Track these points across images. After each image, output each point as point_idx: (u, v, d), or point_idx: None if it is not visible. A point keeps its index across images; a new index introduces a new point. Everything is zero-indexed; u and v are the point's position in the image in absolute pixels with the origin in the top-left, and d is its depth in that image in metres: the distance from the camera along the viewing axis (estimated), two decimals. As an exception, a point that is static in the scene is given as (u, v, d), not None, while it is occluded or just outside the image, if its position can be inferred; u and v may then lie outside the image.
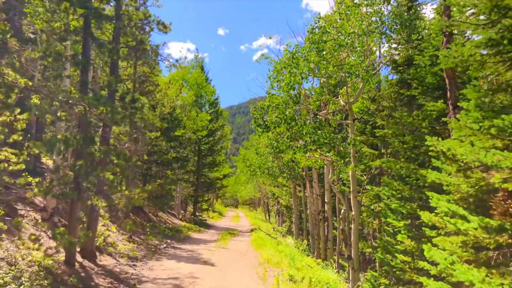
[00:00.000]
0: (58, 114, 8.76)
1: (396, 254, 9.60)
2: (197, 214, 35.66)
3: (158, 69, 22.20)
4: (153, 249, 16.53)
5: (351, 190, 12.57)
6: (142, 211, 25.50)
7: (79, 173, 10.08)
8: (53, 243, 10.39)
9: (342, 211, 12.28)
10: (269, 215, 55.65)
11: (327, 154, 13.11)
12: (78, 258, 11.62)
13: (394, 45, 14.17)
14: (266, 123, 12.74)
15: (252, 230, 29.37)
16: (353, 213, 12.46)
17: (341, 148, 11.99)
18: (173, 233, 23.36)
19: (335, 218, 19.10)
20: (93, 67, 12.80)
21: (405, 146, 10.20)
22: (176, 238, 22.07)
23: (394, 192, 11.16)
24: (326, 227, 17.31)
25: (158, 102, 21.47)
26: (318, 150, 12.55)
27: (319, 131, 11.98)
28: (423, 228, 8.53)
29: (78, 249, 12.20)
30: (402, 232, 10.33)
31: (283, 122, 12.49)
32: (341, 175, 19.41)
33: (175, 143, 26.27)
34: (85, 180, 10.30)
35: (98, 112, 8.99)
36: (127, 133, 20.09)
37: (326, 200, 17.46)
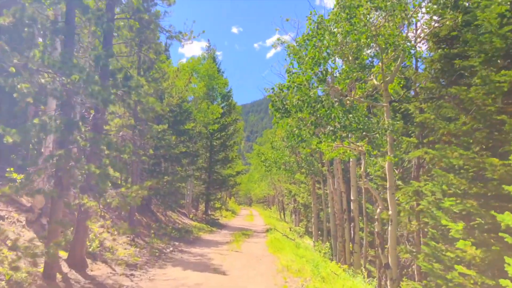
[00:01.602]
0: (19, 86, 6.88)
1: (456, 266, 7.51)
2: (209, 213, 33.83)
3: (164, 57, 20.35)
4: (157, 254, 14.68)
5: (388, 185, 10.51)
6: (150, 210, 23.73)
7: (59, 166, 8.25)
8: (36, 249, 8.58)
9: (378, 210, 10.22)
10: (284, 214, 53.57)
11: (359, 143, 11.05)
12: (64, 268, 9.81)
13: (434, 17, 12.03)
14: (285, 106, 10.74)
15: (267, 231, 27.40)
16: (390, 212, 10.40)
17: (377, 135, 9.92)
18: (182, 234, 21.52)
19: (360, 218, 17.00)
20: (83, 45, 10.94)
21: (463, 128, 8.09)
22: (184, 240, 20.23)
23: (445, 187, 9.06)
24: (352, 228, 15.25)
25: (165, 91, 19.62)
26: (348, 138, 10.52)
27: (350, 115, 9.93)
28: (500, 234, 6.44)
29: (65, 257, 10.43)
30: (458, 236, 8.25)
31: (306, 106, 10.48)
32: (368, 170, 17.32)
33: (185, 137, 24.42)
34: (67, 174, 8.46)
35: (69, 80, 7.07)
36: (131, 126, 18.33)
37: (352, 198, 15.39)
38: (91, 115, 10.51)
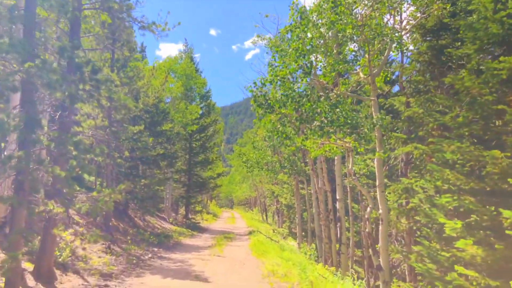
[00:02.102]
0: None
1: (456, 267, 7.02)
2: (189, 216, 32.92)
3: (140, 56, 19.45)
4: (134, 261, 13.82)
5: (378, 183, 10.01)
6: (127, 216, 22.73)
7: (19, 168, 7.38)
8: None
9: (368, 209, 9.70)
10: (266, 215, 52.95)
11: (346, 139, 10.51)
12: (30, 281, 8.91)
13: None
14: (269, 102, 10.11)
15: (250, 233, 26.71)
16: (380, 211, 9.88)
17: (366, 130, 9.39)
18: (161, 239, 20.62)
19: (346, 217, 16.51)
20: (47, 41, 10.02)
21: (459, 120, 7.60)
22: (164, 245, 19.36)
23: (439, 183, 8.59)
24: (339, 229, 14.73)
25: (141, 91, 18.73)
26: (335, 134, 9.97)
27: (337, 109, 9.37)
28: (507, 232, 5.96)
29: (31, 269, 9.50)
30: (455, 234, 7.78)
31: (290, 101, 9.88)
32: (353, 168, 16.87)
33: (163, 139, 23.51)
34: (29, 178, 7.59)
35: (22, 68, 6.26)
36: (104, 127, 17.40)
37: (337, 197, 14.86)
38: (59, 113, 9.64)
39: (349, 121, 9.17)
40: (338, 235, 14.66)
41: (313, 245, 19.11)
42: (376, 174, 10.24)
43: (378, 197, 10.10)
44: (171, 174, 28.58)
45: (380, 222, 9.94)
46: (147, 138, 22.40)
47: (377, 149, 10.14)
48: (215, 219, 46.26)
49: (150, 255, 15.64)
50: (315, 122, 9.31)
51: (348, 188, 16.62)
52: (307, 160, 21.44)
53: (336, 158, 15.16)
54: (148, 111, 21.72)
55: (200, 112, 33.04)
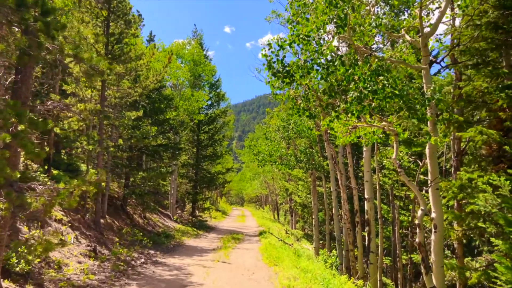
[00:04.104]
0: None
1: None
2: (196, 214, 30.66)
3: (138, 31, 17.16)
4: (122, 268, 11.54)
5: (431, 179, 7.53)
6: (125, 212, 20.50)
7: None
8: None
9: (420, 212, 7.23)
10: (278, 214, 50.43)
11: (389, 119, 8.03)
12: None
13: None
14: (287, 69, 7.71)
15: (260, 234, 24.32)
16: (433, 215, 7.41)
17: (417, 106, 6.89)
18: (161, 240, 18.39)
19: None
20: None
21: None
22: (163, 247, 17.10)
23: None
24: (367, 235, 12.25)
25: (139, 71, 16.44)
26: (373, 113, 7.50)
27: (382, 77, 6.89)
28: None
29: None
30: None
31: (318, 65, 7.49)
32: (383, 161, 14.35)
33: (165, 128, 21.21)
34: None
35: None
36: (97, 112, 15.19)
37: (366, 196, 12.37)
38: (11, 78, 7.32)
39: (398, 92, 6.69)
40: (368, 242, 12.19)
41: (334, 252, 16.58)
42: (428, 166, 7.75)
43: (430, 197, 7.61)
44: (176, 167, 26.31)
45: (433, 230, 7.46)
46: (149, 127, 20.18)
47: (431, 134, 7.65)
48: (224, 217, 44.01)
49: (143, 260, 13.35)
50: (351, 93, 6.84)
51: (377, 186, 14.11)
52: (326, 153, 18.94)
53: (364, 149, 12.65)
54: (149, 96, 19.44)
55: (209, 102, 30.72)
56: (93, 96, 16.50)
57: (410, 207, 14.22)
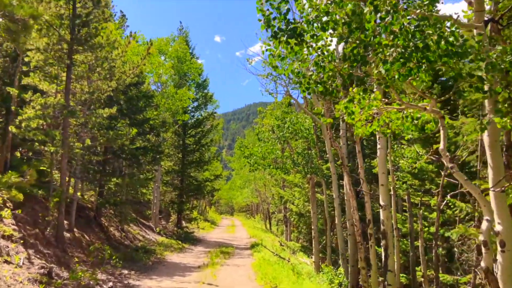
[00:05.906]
0: None
1: None
2: (182, 225, 28.20)
3: (109, 12, 14.92)
4: (79, 297, 9.15)
5: (491, 179, 5.39)
6: (98, 224, 18.00)
7: None
8: None
9: (485, 224, 5.09)
10: (270, 223, 47.97)
11: (426, 100, 5.91)
12: None
13: None
14: (292, 26, 5.58)
15: (252, 246, 21.97)
16: (497, 229, 5.27)
17: (479, 73, 4.76)
18: (139, 256, 15.95)
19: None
20: None
21: None
22: (140, 265, 14.67)
23: None
24: (384, 250, 10.05)
25: (110, 60, 14.16)
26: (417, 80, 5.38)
27: (430, 31, 4.76)
28: None
29: None
30: None
31: (336, 22, 5.36)
32: (399, 161, 12.24)
33: (145, 128, 18.84)
34: None
35: None
36: (61, 106, 12.93)
37: (382, 203, 10.18)
38: None
39: (461, 50, 4.56)
40: (385, 259, 9.98)
41: (341, 270, 14.26)
42: (489, 160, 5.66)
43: (493, 203, 5.48)
44: (159, 173, 23.89)
45: (499, 248, 5.32)
46: (128, 128, 17.80)
47: (489, 114, 5.55)
48: (212, 227, 41.47)
49: (110, 284, 10.92)
50: (390, 50, 4.68)
51: (392, 192, 11.93)
52: (327, 156, 16.78)
53: (379, 147, 10.49)
54: (125, 92, 17.13)
55: (195, 103, 28.44)
56: (58, 91, 14.22)
57: (430, 215, 12.08)
